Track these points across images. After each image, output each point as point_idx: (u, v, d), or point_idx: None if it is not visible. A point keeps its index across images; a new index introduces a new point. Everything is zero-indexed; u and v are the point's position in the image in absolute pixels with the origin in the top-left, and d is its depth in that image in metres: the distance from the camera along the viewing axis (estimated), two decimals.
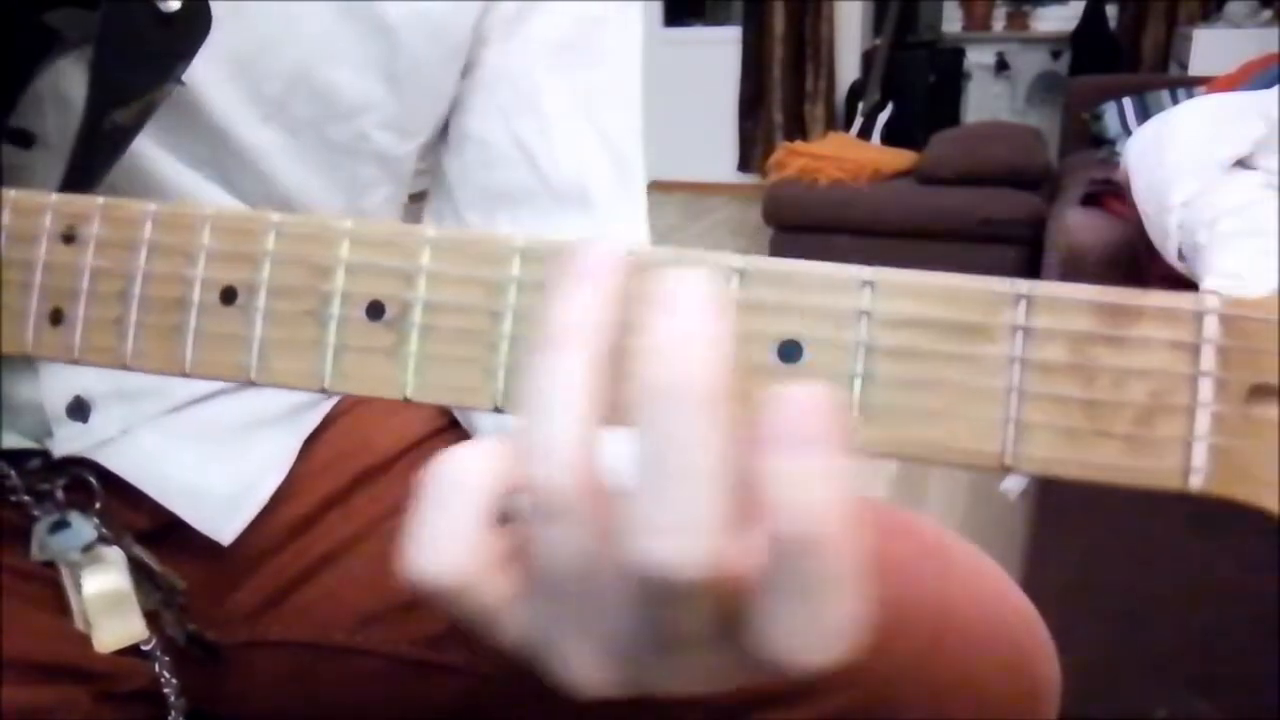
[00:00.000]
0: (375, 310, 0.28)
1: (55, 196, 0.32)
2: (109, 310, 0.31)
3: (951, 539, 0.51)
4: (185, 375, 0.30)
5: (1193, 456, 0.23)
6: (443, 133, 0.54)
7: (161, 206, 0.31)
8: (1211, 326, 0.23)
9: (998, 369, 0.24)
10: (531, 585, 0.25)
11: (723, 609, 0.23)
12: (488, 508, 0.24)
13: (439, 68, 0.51)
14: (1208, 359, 0.23)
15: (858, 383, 0.25)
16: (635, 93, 0.55)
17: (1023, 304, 0.24)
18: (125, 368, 0.31)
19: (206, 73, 0.44)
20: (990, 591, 0.49)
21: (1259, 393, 0.23)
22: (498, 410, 0.27)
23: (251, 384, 0.29)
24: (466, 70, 0.52)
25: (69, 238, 0.31)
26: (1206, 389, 0.23)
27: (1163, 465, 0.23)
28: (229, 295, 0.29)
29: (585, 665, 0.26)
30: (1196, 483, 0.23)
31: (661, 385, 0.22)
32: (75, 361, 0.31)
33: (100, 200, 0.31)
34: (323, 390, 0.29)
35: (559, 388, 0.24)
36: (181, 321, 0.30)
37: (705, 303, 0.23)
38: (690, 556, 0.22)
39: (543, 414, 0.24)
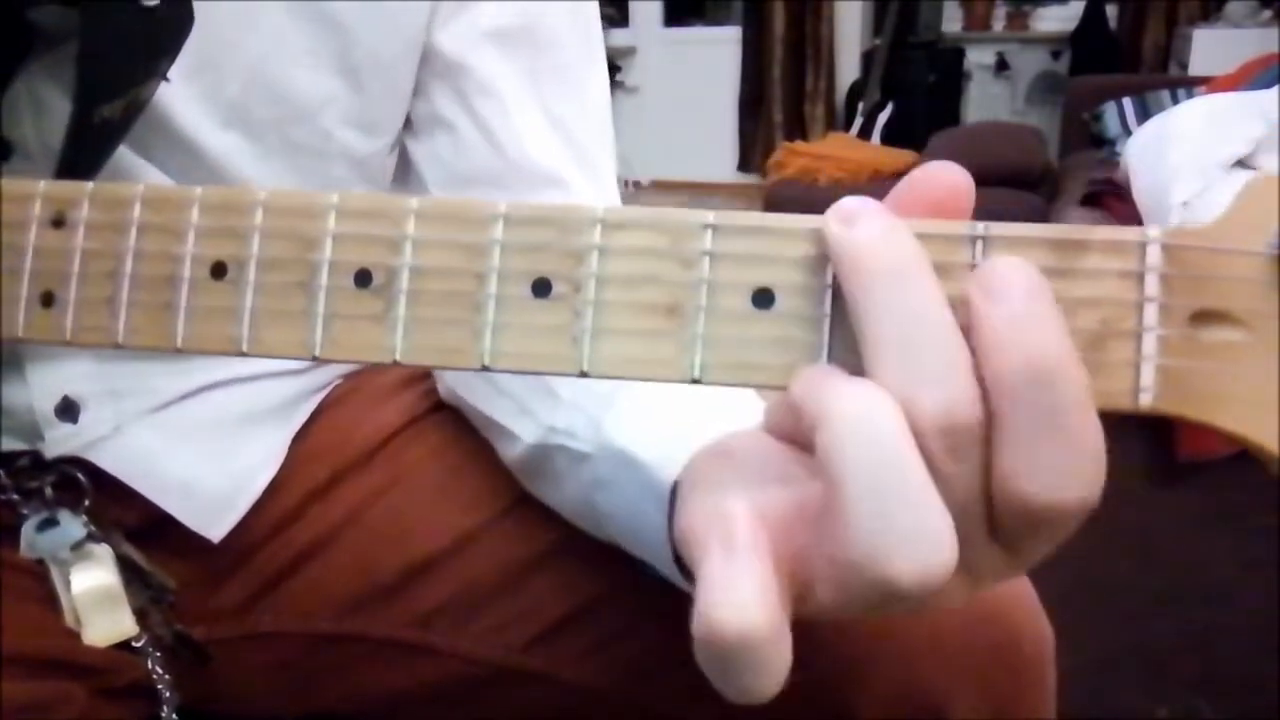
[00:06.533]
0: (363, 278, 0.29)
1: (44, 183, 0.32)
2: (100, 290, 0.31)
3: None
4: (178, 350, 0.30)
5: (1141, 377, 0.24)
6: (406, 121, 0.54)
7: (149, 187, 0.31)
8: (1154, 255, 0.25)
9: (956, 307, 0.25)
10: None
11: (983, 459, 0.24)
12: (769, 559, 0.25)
13: (397, 60, 0.51)
14: (1151, 286, 0.24)
15: (826, 323, 0.26)
16: (591, 80, 0.55)
17: (979, 244, 0.25)
18: (117, 346, 0.31)
19: (171, 81, 0.44)
20: None
21: (1204, 317, 0.24)
22: (485, 369, 0.28)
23: (243, 355, 0.30)
24: (424, 59, 0.52)
25: (58, 222, 0.32)
26: (1152, 314, 0.24)
27: (1114, 387, 0.25)
28: (219, 270, 0.30)
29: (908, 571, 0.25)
30: (1146, 400, 0.24)
31: (891, 260, 0.24)
32: (68, 343, 0.31)
33: (89, 185, 0.32)
34: (314, 358, 0.29)
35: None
36: (172, 298, 0.30)
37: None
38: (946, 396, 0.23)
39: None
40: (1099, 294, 0.25)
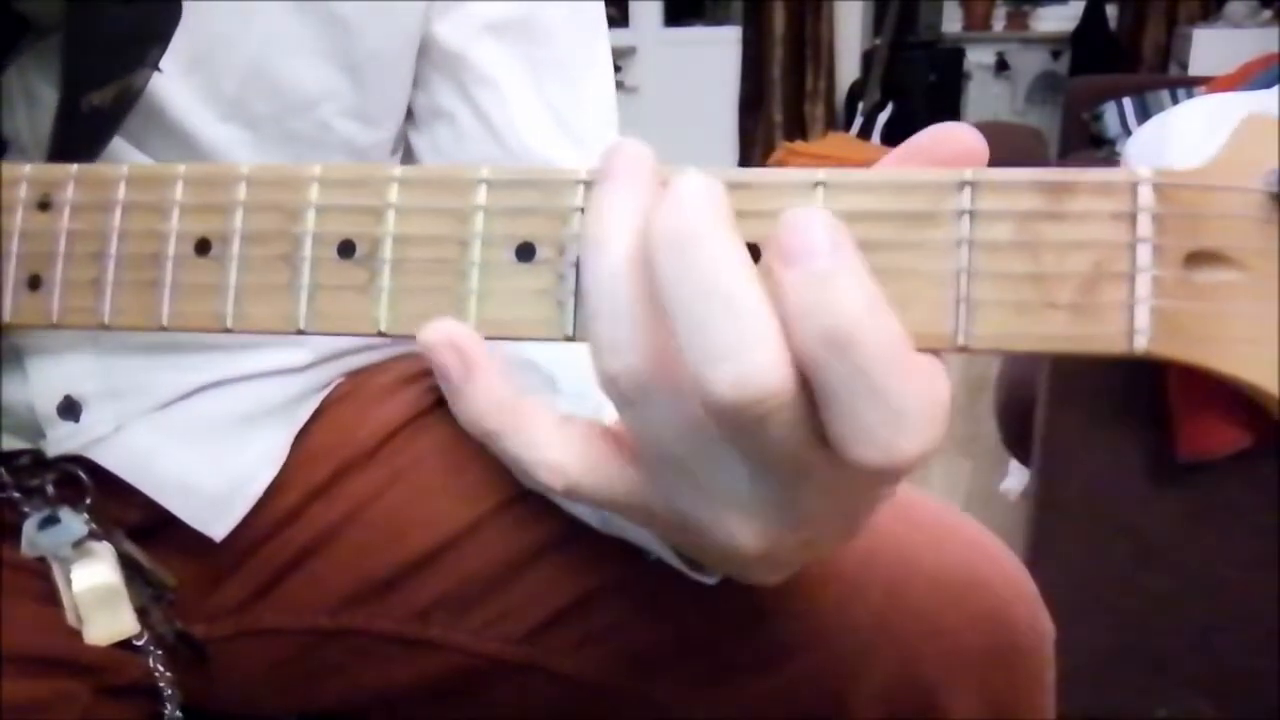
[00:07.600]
0: (346, 249, 0.29)
1: (30, 167, 0.32)
2: (86, 271, 0.31)
3: (917, 494, 0.50)
4: (163, 329, 0.30)
5: (1135, 319, 0.24)
6: (408, 113, 0.54)
7: (134, 166, 0.31)
8: (1146, 195, 0.24)
9: (947, 252, 0.25)
10: (647, 467, 0.27)
11: (806, 417, 0.24)
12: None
13: (397, 53, 0.51)
14: (1144, 226, 0.24)
15: None
16: (593, 71, 0.55)
17: (968, 190, 0.25)
18: (103, 327, 0.31)
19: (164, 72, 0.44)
20: (961, 540, 0.48)
21: (1199, 258, 0.24)
22: None
23: (228, 331, 0.29)
24: (423, 49, 0.52)
25: (44, 204, 0.31)
26: (1145, 255, 0.24)
27: (1108, 330, 0.24)
28: (203, 246, 0.30)
29: (731, 525, 0.27)
30: (1141, 344, 0.24)
31: (675, 230, 0.24)
32: (54, 326, 0.31)
33: (74, 167, 0.31)
34: (299, 331, 0.29)
35: (606, 284, 0.24)
36: (157, 276, 0.30)
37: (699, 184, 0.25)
38: (744, 372, 0.23)
39: (602, 312, 0.24)
40: (1091, 236, 0.24)
